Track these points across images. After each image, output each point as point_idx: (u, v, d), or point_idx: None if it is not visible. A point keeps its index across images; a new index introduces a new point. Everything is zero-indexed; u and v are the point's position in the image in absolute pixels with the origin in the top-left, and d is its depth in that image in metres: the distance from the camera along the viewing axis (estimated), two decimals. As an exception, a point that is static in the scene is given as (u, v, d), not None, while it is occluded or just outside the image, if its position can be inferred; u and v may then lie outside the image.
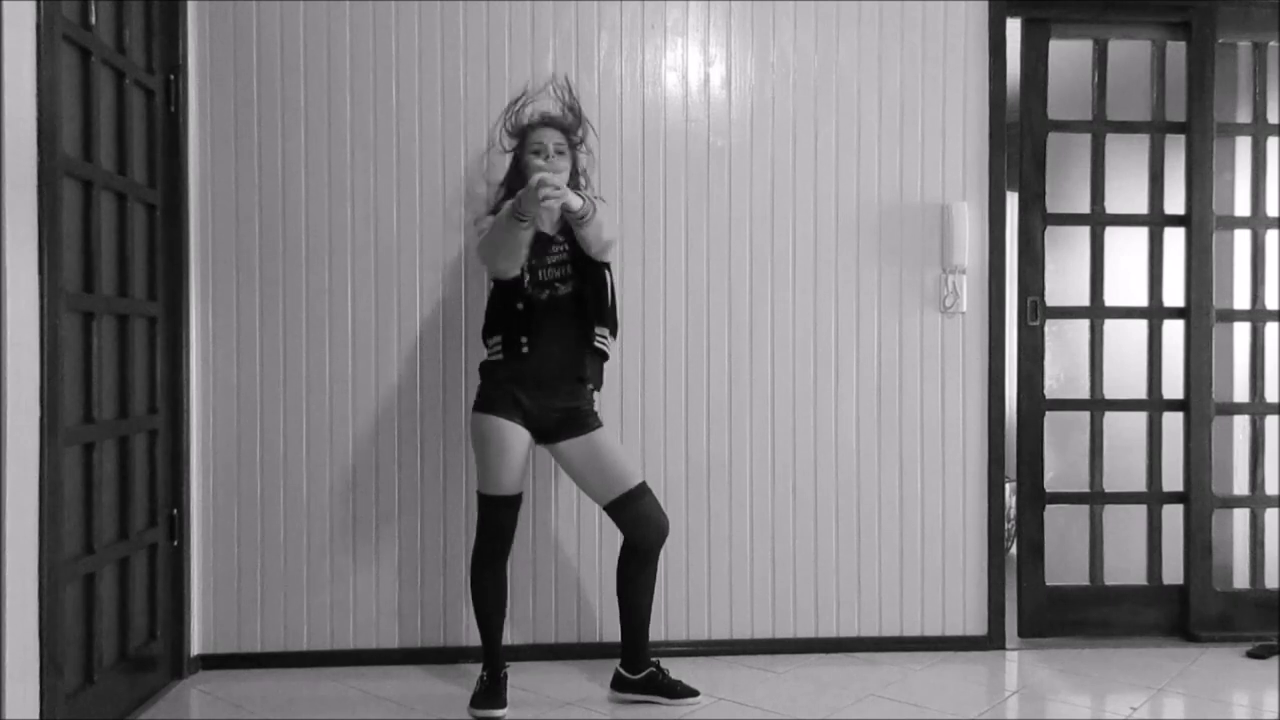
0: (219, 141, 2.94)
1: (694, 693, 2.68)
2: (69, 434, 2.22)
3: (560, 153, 2.66)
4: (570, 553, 3.04)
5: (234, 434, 2.95)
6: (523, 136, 2.71)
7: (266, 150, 2.95)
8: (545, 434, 2.66)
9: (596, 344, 2.66)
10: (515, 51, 3.02)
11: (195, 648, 2.93)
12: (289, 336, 2.97)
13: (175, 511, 2.83)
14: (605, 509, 2.64)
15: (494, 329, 2.66)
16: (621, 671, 2.70)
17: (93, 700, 2.35)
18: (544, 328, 2.61)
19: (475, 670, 2.89)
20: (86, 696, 2.32)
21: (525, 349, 2.60)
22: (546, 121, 2.72)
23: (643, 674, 2.68)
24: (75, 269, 2.31)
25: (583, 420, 2.65)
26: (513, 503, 2.64)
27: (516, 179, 2.68)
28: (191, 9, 2.91)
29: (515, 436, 2.61)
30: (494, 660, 2.66)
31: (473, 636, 2.97)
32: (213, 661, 2.94)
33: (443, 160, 3.00)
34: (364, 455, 2.98)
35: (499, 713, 2.57)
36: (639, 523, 2.61)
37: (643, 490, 2.63)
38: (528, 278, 2.61)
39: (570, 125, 2.75)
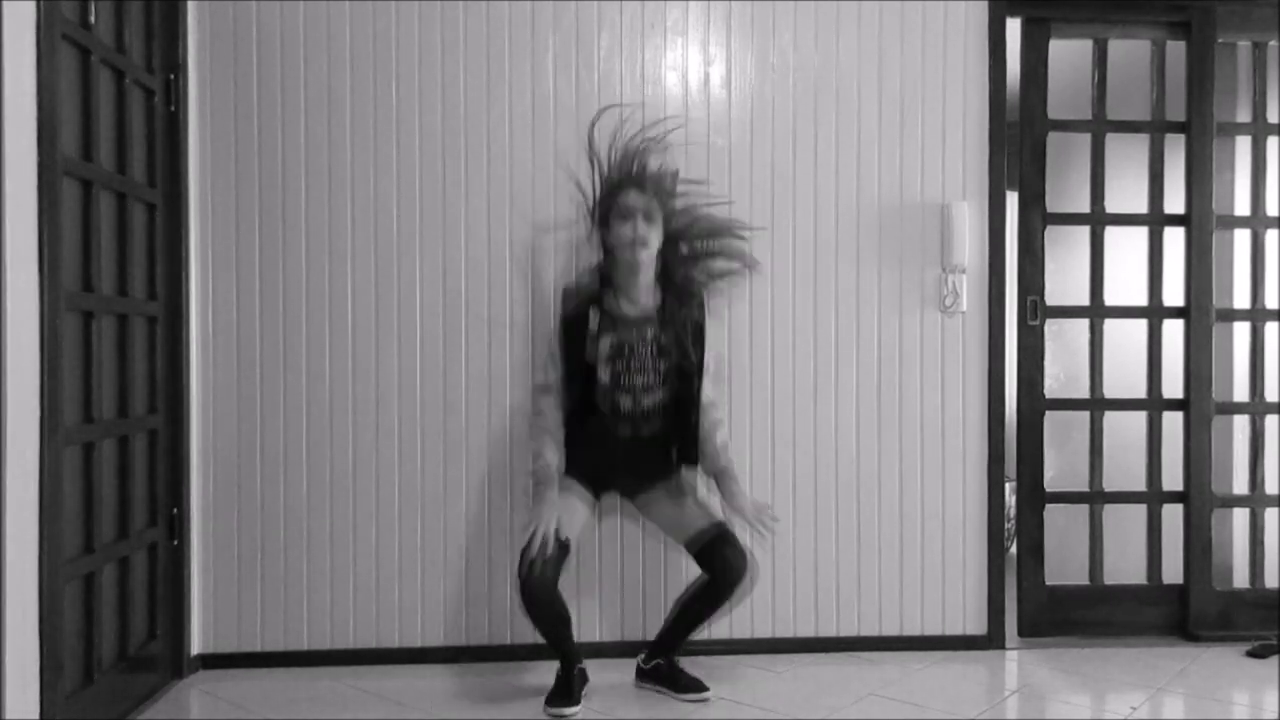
0: (219, 141, 2.94)
1: (699, 688, 2.68)
2: (69, 434, 2.22)
3: (650, 219, 2.58)
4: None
5: (234, 434, 2.95)
6: (609, 195, 2.64)
7: (266, 150, 2.95)
8: (627, 490, 2.72)
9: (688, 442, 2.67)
10: (515, 51, 3.02)
11: (195, 648, 2.93)
12: (289, 336, 2.97)
13: (175, 511, 2.83)
14: (686, 547, 2.66)
15: (568, 410, 2.65)
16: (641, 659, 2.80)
17: (93, 700, 2.35)
18: (621, 431, 2.65)
19: (477, 669, 2.93)
20: (86, 696, 2.32)
21: (595, 443, 2.66)
22: (637, 183, 2.62)
23: (650, 664, 2.76)
24: (75, 268, 2.31)
25: (666, 472, 2.71)
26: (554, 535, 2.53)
27: (606, 235, 2.65)
28: (191, 9, 2.91)
29: (576, 487, 2.65)
30: (567, 659, 2.66)
31: (474, 636, 3.00)
32: (213, 661, 2.94)
33: (442, 160, 3.00)
34: (364, 455, 2.98)
35: (571, 710, 2.57)
36: (716, 561, 2.60)
37: (721, 528, 2.63)
38: (607, 378, 2.59)
39: (661, 189, 2.65)
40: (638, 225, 2.57)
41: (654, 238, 2.59)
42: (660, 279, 2.68)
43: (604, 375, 2.61)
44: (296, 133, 2.96)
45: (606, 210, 2.64)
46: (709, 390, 2.69)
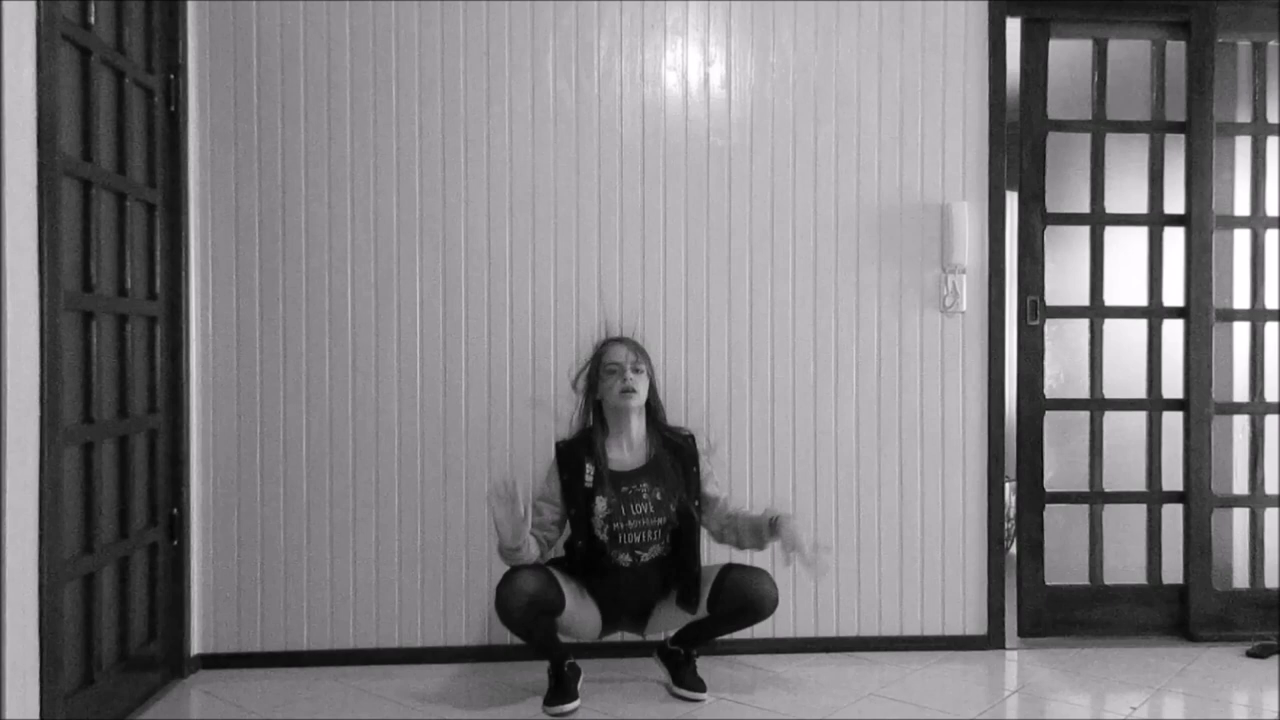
0: (219, 141, 2.94)
1: (696, 689, 2.69)
2: (69, 434, 2.22)
3: (638, 370, 2.66)
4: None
5: (234, 434, 2.95)
6: (595, 358, 2.72)
7: (266, 150, 2.95)
8: (636, 623, 2.75)
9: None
10: (515, 51, 3.02)
11: (195, 648, 2.93)
12: (289, 336, 2.97)
13: (175, 511, 2.83)
14: (708, 609, 2.66)
15: (570, 553, 2.68)
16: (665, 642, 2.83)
17: (92, 700, 2.35)
18: (623, 582, 2.65)
19: (477, 669, 2.92)
20: (86, 696, 2.32)
21: (599, 589, 2.67)
22: (619, 339, 2.74)
23: (672, 647, 2.78)
24: (74, 268, 2.31)
25: (668, 596, 2.73)
26: (549, 574, 2.57)
27: (587, 407, 2.72)
28: (191, 9, 2.91)
29: (587, 594, 2.67)
30: (556, 658, 2.66)
31: (472, 636, 3.00)
32: (213, 661, 2.94)
33: (442, 160, 3.00)
34: (364, 455, 2.98)
35: (571, 706, 2.58)
36: (727, 584, 2.61)
37: (730, 566, 2.66)
38: (605, 538, 2.61)
39: (639, 344, 2.76)
40: (626, 375, 2.65)
41: (642, 387, 2.67)
42: (650, 429, 2.73)
43: (602, 534, 2.62)
44: (296, 133, 2.96)
45: (595, 371, 2.71)
46: (715, 491, 2.76)
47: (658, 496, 2.64)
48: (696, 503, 2.69)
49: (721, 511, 2.72)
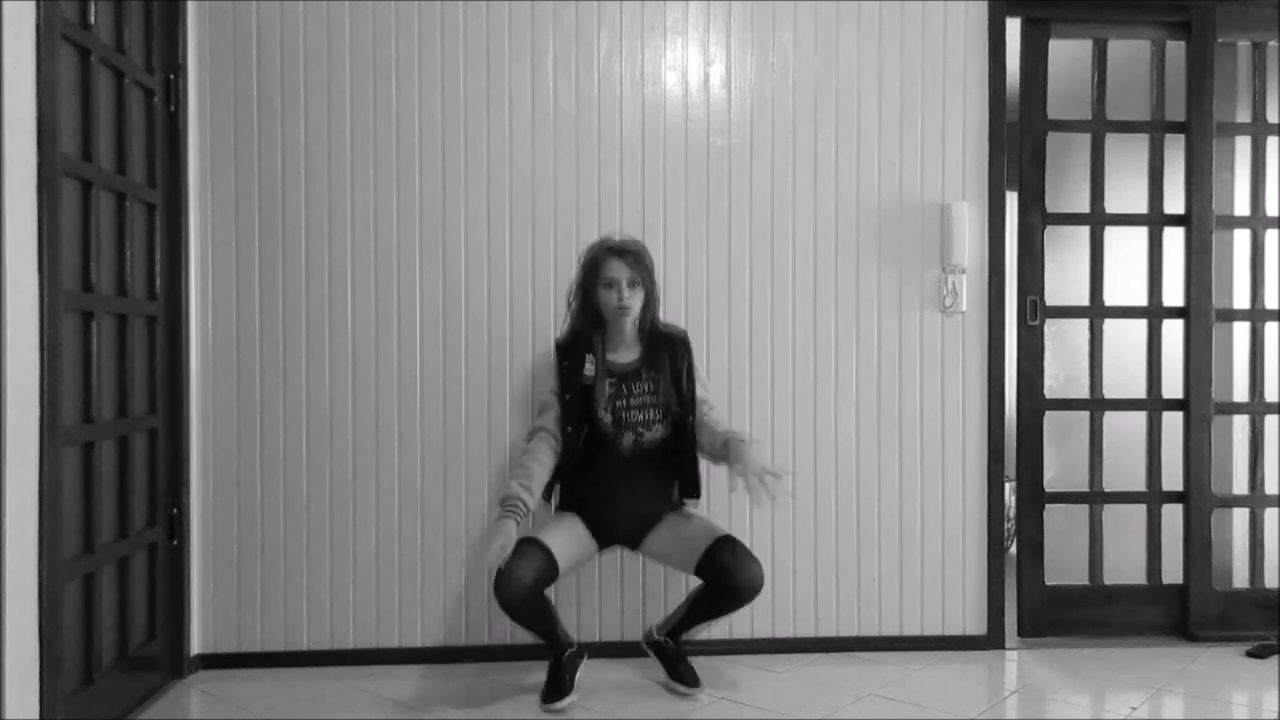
0: (219, 141, 2.94)
1: (691, 683, 2.70)
2: (69, 434, 2.22)
3: (634, 285, 2.65)
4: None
5: (234, 434, 2.95)
6: (592, 267, 2.69)
7: (266, 150, 2.95)
8: (630, 535, 2.74)
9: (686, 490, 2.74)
10: (515, 51, 3.02)
11: (195, 648, 2.93)
12: (289, 336, 2.97)
13: (175, 511, 2.83)
14: (695, 573, 2.65)
15: (565, 463, 2.67)
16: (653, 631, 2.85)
17: (93, 700, 2.35)
18: (624, 472, 2.67)
19: (477, 669, 2.93)
20: (86, 696, 2.32)
21: (599, 486, 2.68)
22: (618, 251, 2.68)
23: (659, 638, 2.79)
24: (74, 268, 2.31)
25: (668, 506, 2.75)
26: (541, 549, 2.55)
27: (584, 311, 2.70)
28: (191, 9, 2.91)
29: (578, 527, 2.68)
30: (556, 648, 2.68)
31: (473, 636, 3.00)
32: (213, 661, 2.94)
33: (443, 160, 3.00)
34: (364, 454, 2.98)
35: (564, 703, 2.59)
36: (727, 571, 2.57)
37: (728, 540, 2.62)
38: (609, 418, 2.64)
39: (639, 253, 2.70)
40: (623, 292, 2.65)
41: (637, 304, 2.67)
42: (641, 331, 2.73)
43: (606, 415, 2.65)
44: (296, 133, 2.96)
45: (590, 278, 2.69)
46: (700, 392, 2.76)
47: (656, 382, 2.67)
48: (690, 391, 2.71)
49: (700, 413, 2.72)
